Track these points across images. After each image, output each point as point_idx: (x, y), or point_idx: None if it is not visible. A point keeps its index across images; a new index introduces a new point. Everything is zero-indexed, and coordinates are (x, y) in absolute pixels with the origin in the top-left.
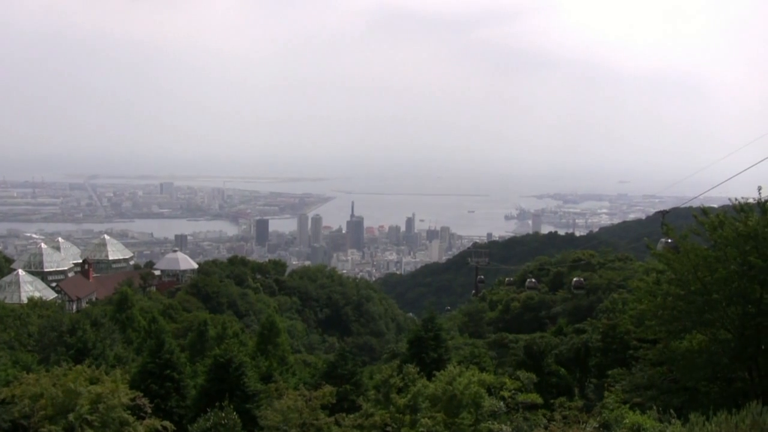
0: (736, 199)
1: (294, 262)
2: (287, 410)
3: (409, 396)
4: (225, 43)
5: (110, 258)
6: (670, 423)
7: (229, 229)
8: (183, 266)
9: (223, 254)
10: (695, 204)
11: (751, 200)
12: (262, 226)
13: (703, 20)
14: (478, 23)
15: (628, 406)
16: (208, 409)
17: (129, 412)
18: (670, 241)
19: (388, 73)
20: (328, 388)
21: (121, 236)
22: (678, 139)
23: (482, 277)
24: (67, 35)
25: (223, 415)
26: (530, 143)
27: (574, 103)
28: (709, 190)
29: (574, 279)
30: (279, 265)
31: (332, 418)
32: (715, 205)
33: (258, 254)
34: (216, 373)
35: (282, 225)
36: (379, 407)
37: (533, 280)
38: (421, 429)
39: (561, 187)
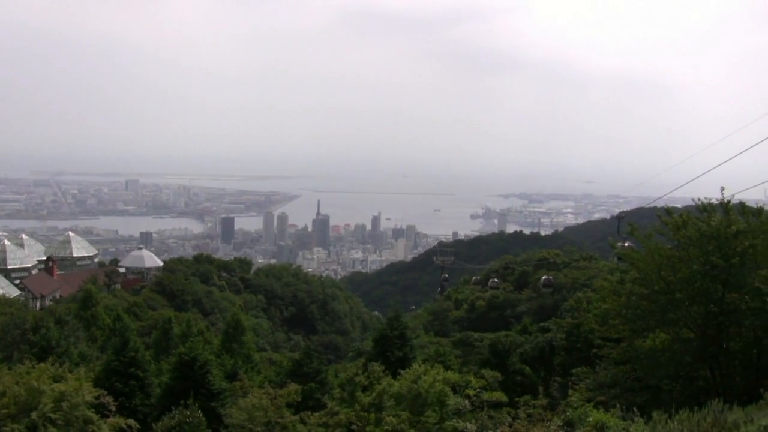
0: (699, 200)
1: (260, 260)
2: (252, 408)
3: (374, 394)
4: (193, 35)
5: (75, 255)
6: (633, 421)
7: (195, 227)
8: (148, 264)
9: (189, 252)
10: (659, 204)
11: (714, 201)
12: (227, 223)
13: (671, 21)
14: (448, 22)
15: (592, 404)
16: (173, 408)
17: (93, 410)
18: (627, 244)
19: (357, 69)
20: (293, 387)
21: (86, 233)
22: (644, 139)
23: (446, 275)
24: (29, 27)
25: (188, 413)
26: (498, 142)
27: (542, 103)
28: (672, 190)
29: (543, 277)
30: (244, 263)
31: (297, 417)
32: (679, 206)
33: (223, 252)
34: (181, 371)
35: (248, 223)
36: (344, 405)
37: (495, 280)
38: (386, 427)
39: (527, 187)
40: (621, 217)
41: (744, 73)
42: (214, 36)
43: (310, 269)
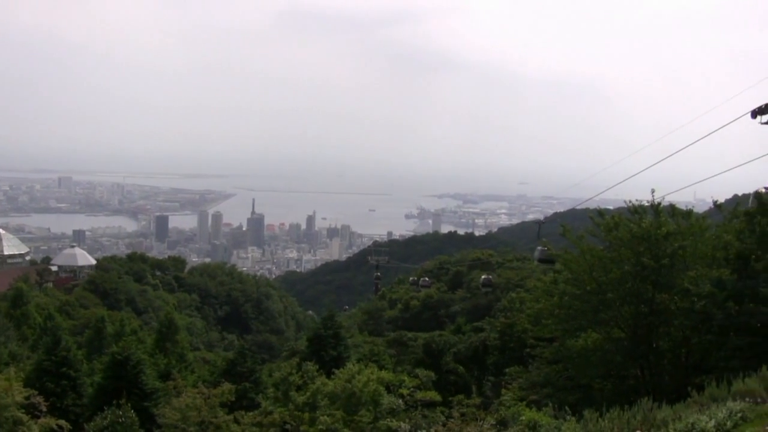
0: (630, 202)
1: (194, 259)
2: (186, 408)
3: (308, 394)
4: (129, 33)
5: (5, 253)
6: (565, 419)
7: (129, 225)
8: (81, 262)
9: (122, 250)
10: (591, 205)
11: (645, 202)
12: (162, 222)
13: (606, 27)
14: (386, 23)
15: (524, 403)
16: (105, 408)
17: (23, 410)
18: (546, 249)
19: (293, 69)
20: (227, 386)
21: (17, 231)
22: (579, 142)
23: (378, 273)
24: None
25: (121, 413)
26: (433, 143)
27: (477, 105)
28: (603, 192)
29: (483, 276)
30: (178, 262)
31: (231, 416)
32: (611, 207)
33: (157, 251)
34: (113, 370)
35: (182, 221)
36: (279, 405)
37: (426, 278)
38: (320, 427)
39: (462, 187)
40: (541, 223)
41: (677, 79)
42: (150, 33)
43: (244, 268)
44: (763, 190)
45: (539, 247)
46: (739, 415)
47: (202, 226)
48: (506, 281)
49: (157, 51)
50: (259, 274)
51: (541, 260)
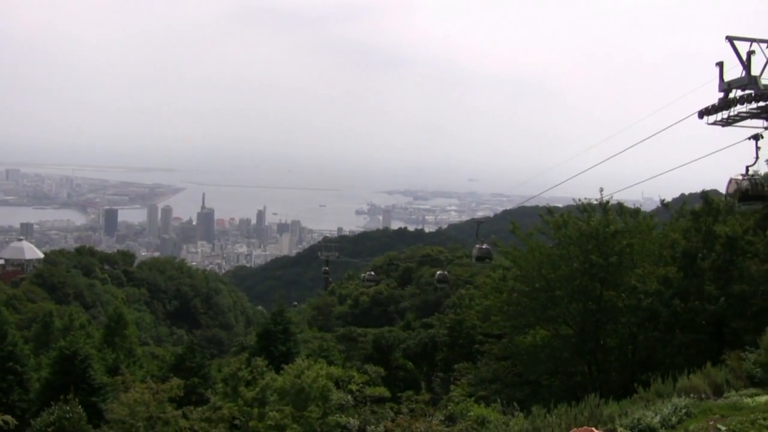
0: (579, 200)
1: (143, 253)
2: (134, 403)
3: (257, 389)
4: (77, 29)
5: None
6: (513, 415)
7: (77, 219)
8: (28, 255)
9: (71, 244)
10: (540, 203)
11: (594, 201)
12: (111, 215)
13: (558, 26)
14: (336, 19)
15: (473, 399)
16: (53, 403)
17: None
18: (485, 247)
19: (244, 66)
20: (176, 381)
21: None
22: (529, 139)
23: (326, 268)
24: None
25: (68, 408)
26: (384, 140)
27: (428, 102)
28: (549, 189)
29: (438, 272)
30: (127, 256)
31: (180, 411)
32: (560, 205)
33: (106, 244)
34: (61, 365)
35: (131, 215)
36: (228, 400)
37: (372, 272)
38: (269, 422)
39: (412, 184)
40: (480, 222)
41: (627, 78)
42: (99, 29)
43: (194, 263)
44: (740, 177)
45: (477, 245)
46: (684, 410)
47: (152, 221)
48: (456, 278)
49: (106, 47)
50: (208, 268)
51: (478, 258)
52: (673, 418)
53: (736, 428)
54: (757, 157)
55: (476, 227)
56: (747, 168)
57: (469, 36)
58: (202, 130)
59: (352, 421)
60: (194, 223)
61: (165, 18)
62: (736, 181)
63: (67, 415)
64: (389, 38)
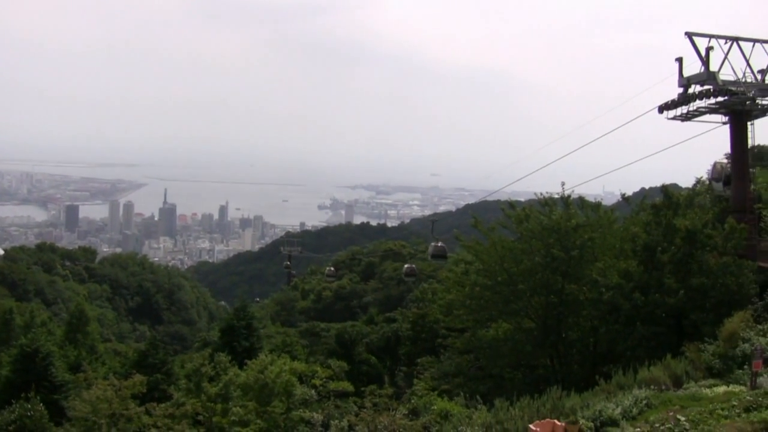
0: (541, 194)
1: (105, 250)
2: (96, 400)
3: (220, 385)
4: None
5: None
6: (476, 409)
7: (38, 215)
8: None
9: (31, 240)
10: (501, 197)
11: (555, 195)
12: (72, 211)
13: (522, 21)
14: (300, 14)
15: (436, 392)
16: (13, 401)
17: None
18: (440, 245)
19: (207, 57)
20: (138, 378)
21: None
22: (492, 134)
23: (288, 263)
24: None
25: (29, 406)
26: (347, 134)
27: (392, 97)
28: (511, 183)
29: (406, 266)
30: (89, 252)
31: (143, 408)
32: (522, 199)
33: (68, 241)
34: (22, 363)
35: (93, 211)
36: (191, 396)
37: (332, 268)
38: (233, 418)
39: (375, 179)
40: (434, 221)
41: (589, 74)
42: (60, 23)
43: (156, 259)
44: (725, 161)
45: (432, 243)
46: (645, 402)
47: (113, 216)
48: (418, 272)
49: (67, 40)
50: (171, 264)
51: (434, 256)
52: (634, 410)
53: (695, 419)
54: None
55: (431, 226)
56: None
57: (434, 30)
58: (165, 125)
59: (315, 416)
60: (156, 219)
61: (129, 11)
62: (721, 165)
63: (29, 414)
64: (354, 33)
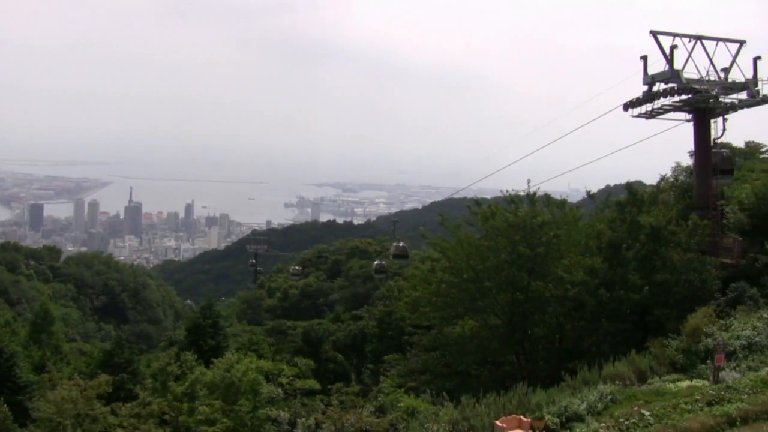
0: (507, 191)
1: (70, 249)
2: (61, 401)
3: (186, 384)
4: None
5: None
6: (442, 405)
7: (1, 214)
8: None
9: None
10: (468, 194)
11: (521, 192)
12: (36, 210)
13: (489, 22)
14: (270, 10)
15: (403, 390)
16: None
17: None
18: (401, 245)
19: (175, 54)
20: (104, 378)
21: None
22: (459, 132)
23: (253, 261)
24: None
25: None
26: (315, 132)
27: (361, 94)
28: (478, 181)
29: (375, 263)
30: (54, 252)
31: (108, 408)
32: (488, 197)
33: (32, 240)
34: None
35: (57, 210)
36: (157, 395)
37: (297, 267)
38: (199, 417)
39: (341, 176)
40: (395, 222)
41: (556, 73)
42: (21, 17)
43: (121, 257)
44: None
45: (394, 243)
46: (609, 397)
47: (78, 215)
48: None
49: (28, 35)
50: (136, 263)
51: (395, 256)
52: (599, 405)
53: (659, 413)
54: (724, 129)
55: (392, 227)
56: (714, 141)
57: (402, 28)
58: (132, 123)
59: (282, 414)
60: (122, 218)
61: (97, 9)
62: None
63: None
64: (324, 31)
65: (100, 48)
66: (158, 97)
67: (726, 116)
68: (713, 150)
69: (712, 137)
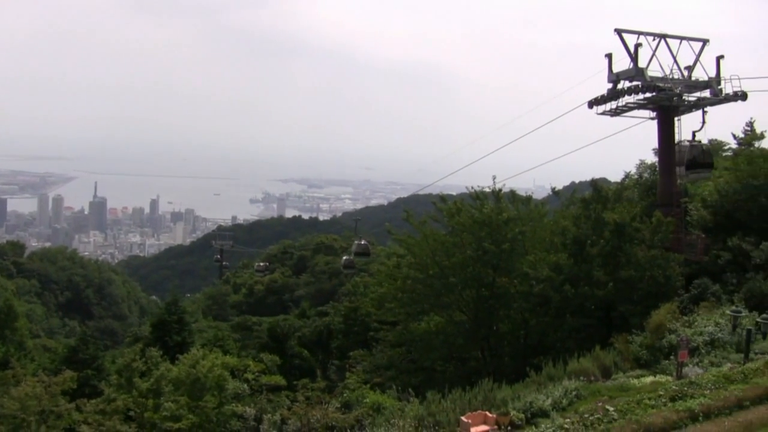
0: (473, 188)
1: (34, 244)
2: (25, 397)
3: (152, 380)
4: None
5: None
6: (408, 401)
7: None
8: None
9: None
10: (433, 191)
11: (487, 189)
12: None
13: (455, 18)
14: (235, 6)
15: (368, 386)
16: None
17: None
18: (363, 242)
19: (142, 52)
20: (68, 374)
21: None
22: (425, 128)
23: (218, 256)
24: None
25: None
26: (280, 128)
27: (326, 91)
28: (444, 177)
29: (344, 258)
30: (17, 247)
31: (73, 404)
32: (454, 193)
33: None
34: None
35: (21, 205)
36: (122, 392)
37: (261, 263)
38: (165, 413)
39: (307, 172)
40: (357, 220)
41: (521, 70)
42: None
43: (86, 253)
44: (687, 144)
45: (356, 241)
46: (574, 393)
47: (43, 210)
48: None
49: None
50: (101, 258)
51: (357, 254)
52: (564, 401)
53: (623, 408)
54: (703, 122)
55: (354, 224)
56: (693, 134)
57: (368, 24)
58: (96, 117)
59: (248, 410)
60: (86, 213)
61: (58, 1)
62: (683, 148)
63: None
64: (289, 26)
65: (67, 39)
66: (124, 91)
67: (706, 109)
68: (692, 143)
69: (692, 131)
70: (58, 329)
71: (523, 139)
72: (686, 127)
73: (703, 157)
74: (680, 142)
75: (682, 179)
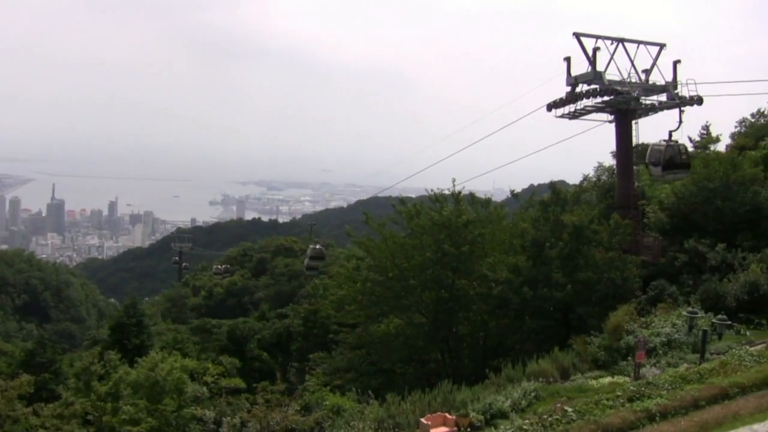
0: (432, 190)
1: None
2: None
3: (110, 383)
4: None
5: None
6: (368, 403)
7: None
8: None
9: None
10: (393, 193)
11: (446, 191)
12: None
13: (411, 23)
14: (192, 7)
15: (328, 388)
16: None
17: None
18: (318, 247)
19: (99, 52)
20: (25, 378)
21: None
22: (385, 130)
23: (176, 258)
24: None
25: None
26: (239, 130)
27: (285, 92)
28: (403, 180)
29: (307, 260)
30: None
31: (30, 409)
32: (413, 195)
33: None
34: None
35: None
36: (80, 395)
37: (219, 266)
38: (123, 416)
39: (266, 174)
40: (312, 224)
41: (479, 73)
42: None
43: (43, 255)
44: (662, 145)
45: (311, 246)
46: (533, 394)
47: None
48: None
49: None
50: (59, 261)
51: (312, 258)
52: (523, 402)
53: (581, 409)
54: (680, 122)
55: (309, 228)
56: (670, 133)
57: (328, 26)
58: (53, 119)
59: (207, 413)
60: (44, 215)
61: (13, 5)
62: (658, 148)
63: None
64: (248, 28)
65: (18, 47)
66: (81, 95)
67: (683, 108)
68: (669, 143)
69: (669, 130)
70: (14, 333)
71: (483, 142)
72: (643, 130)
73: (681, 157)
74: (668, 141)
75: (659, 180)
